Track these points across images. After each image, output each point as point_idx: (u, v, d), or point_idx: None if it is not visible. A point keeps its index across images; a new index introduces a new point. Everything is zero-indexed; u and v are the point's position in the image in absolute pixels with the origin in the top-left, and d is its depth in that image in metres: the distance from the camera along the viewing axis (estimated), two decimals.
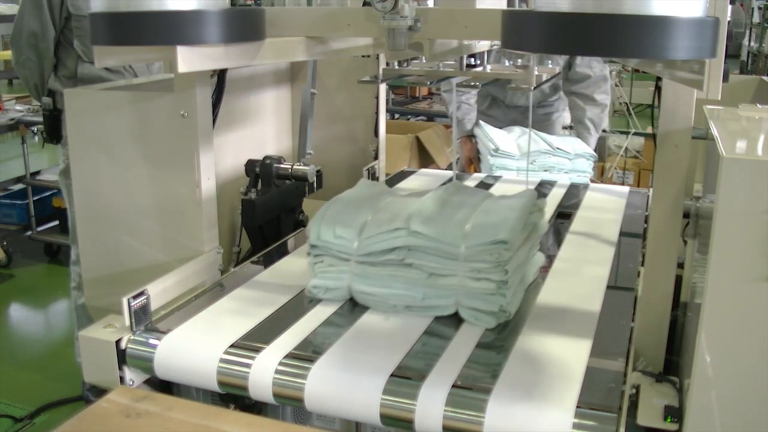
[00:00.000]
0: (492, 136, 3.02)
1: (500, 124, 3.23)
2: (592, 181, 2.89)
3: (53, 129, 2.90)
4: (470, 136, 3.29)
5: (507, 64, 1.76)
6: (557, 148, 2.84)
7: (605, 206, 2.40)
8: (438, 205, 1.63)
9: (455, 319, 1.51)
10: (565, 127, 3.78)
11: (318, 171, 2.20)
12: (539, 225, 1.72)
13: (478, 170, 3.15)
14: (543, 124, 3.24)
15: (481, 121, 3.20)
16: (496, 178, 2.76)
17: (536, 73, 1.71)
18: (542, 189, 2.60)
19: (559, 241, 2.04)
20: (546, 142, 2.93)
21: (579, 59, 3.07)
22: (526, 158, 2.77)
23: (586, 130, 3.16)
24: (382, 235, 1.53)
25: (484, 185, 2.66)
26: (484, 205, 1.66)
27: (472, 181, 2.72)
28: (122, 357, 1.46)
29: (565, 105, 3.44)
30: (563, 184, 2.68)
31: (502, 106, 3.33)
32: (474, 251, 1.47)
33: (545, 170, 2.82)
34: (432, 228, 1.50)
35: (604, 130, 5.12)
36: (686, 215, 1.50)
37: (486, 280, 1.46)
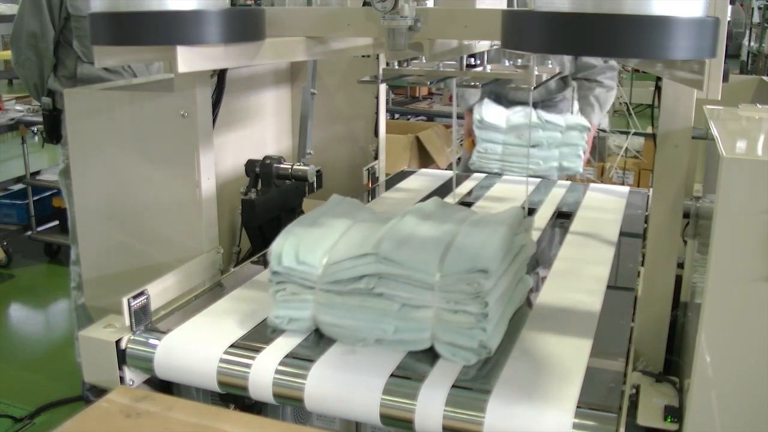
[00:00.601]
0: (483, 108, 2.97)
1: None
2: (592, 180, 2.88)
3: (53, 129, 2.90)
4: (471, 110, 3.30)
5: (507, 64, 1.76)
6: (546, 121, 2.77)
7: (605, 206, 2.40)
8: (413, 226, 1.48)
9: None
10: None
11: (318, 171, 2.20)
12: (526, 247, 1.58)
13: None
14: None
15: (486, 99, 3.18)
16: (496, 178, 2.76)
17: (536, 73, 1.71)
18: (542, 188, 2.60)
19: (559, 241, 2.04)
20: (537, 116, 2.87)
21: None
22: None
23: (589, 106, 3.16)
24: (349, 261, 1.39)
25: (483, 186, 2.66)
26: (465, 226, 1.50)
27: (472, 181, 2.72)
28: (122, 357, 1.46)
29: (569, 106, 3.44)
30: (563, 184, 2.68)
31: (505, 103, 3.33)
32: (450, 280, 1.32)
33: (534, 145, 2.74)
34: (404, 254, 1.36)
35: (603, 130, 5.12)
36: (686, 215, 1.50)
37: (464, 312, 1.32)
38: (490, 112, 2.92)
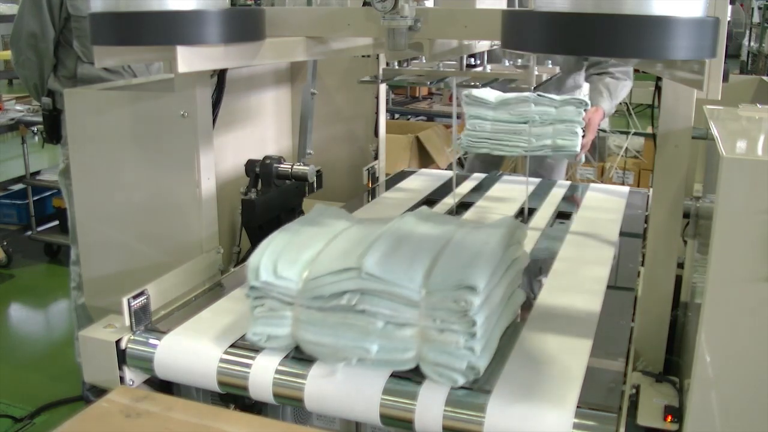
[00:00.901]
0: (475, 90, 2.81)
1: None
2: (592, 181, 2.85)
3: (53, 129, 2.90)
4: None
5: (507, 64, 1.76)
6: (539, 94, 2.57)
7: (605, 206, 2.40)
8: (399, 239, 1.41)
9: None
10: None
11: (318, 171, 2.20)
12: (519, 259, 1.50)
13: None
14: None
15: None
16: (496, 179, 2.76)
17: (536, 73, 1.71)
18: (542, 188, 2.60)
19: (559, 241, 2.03)
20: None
21: None
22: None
23: (598, 93, 3.03)
24: (330, 276, 1.31)
25: (482, 186, 2.66)
26: (455, 238, 1.44)
27: (472, 181, 2.72)
28: (122, 357, 1.46)
29: None
30: (563, 184, 2.68)
31: None
32: (436, 298, 1.25)
33: (525, 121, 2.56)
34: (388, 269, 1.28)
35: (603, 130, 5.11)
36: (686, 215, 1.50)
37: (451, 331, 1.25)
38: (481, 91, 2.73)
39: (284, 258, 1.38)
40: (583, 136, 2.70)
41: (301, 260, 1.38)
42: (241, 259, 2.17)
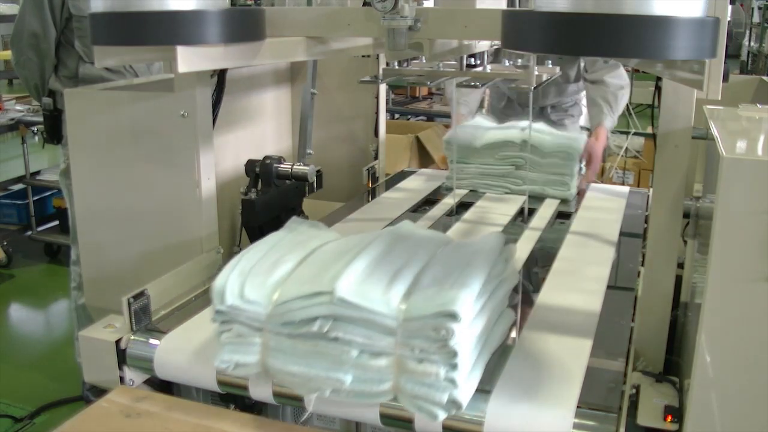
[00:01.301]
0: (459, 128, 2.68)
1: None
2: (592, 181, 2.82)
3: (54, 129, 2.90)
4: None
5: (507, 64, 1.76)
6: (523, 141, 2.45)
7: (605, 206, 2.40)
8: (376, 258, 1.31)
9: None
10: (583, 128, 3.62)
11: (318, 171, 2.20)
12: (507, 280, 1.41)
13: None
14: (556, 128, 3.09)
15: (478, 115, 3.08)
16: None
17: (536, 73, 1.71)
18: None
19: (559, 241, 2.04)
20: (544, 133, 2.55)
21: None
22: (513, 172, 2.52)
23: (597, 107, 2.95)
24: (299, 301, 1.22)
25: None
26: (436, 258, 1.36)
27: None
28: (122, 357, 1.46)
29: (580, 111, 3.40)
30: None
31: (517, 106, 3.31)
32: (414, 326, 1.16)
33: (513, 164, 2.48)
34: (362, 293, 1.19)
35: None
36: (686, 215, 1.51)
37: (430, 362, 1.16)
38: (465, 130, 2.63)
39: (252, 279, 1.29)
40: (581, 169, 2.59)
41: (270, 282, 1.29)
42: None
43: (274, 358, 1.26)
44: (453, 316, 1.14)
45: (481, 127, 2.67)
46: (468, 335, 1.19)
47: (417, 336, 1.16)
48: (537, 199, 2.45)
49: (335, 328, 1.20)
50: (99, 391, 1.44)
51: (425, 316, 1.16)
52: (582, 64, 3.03)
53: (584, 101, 3.39)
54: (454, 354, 1.14)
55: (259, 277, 1.30)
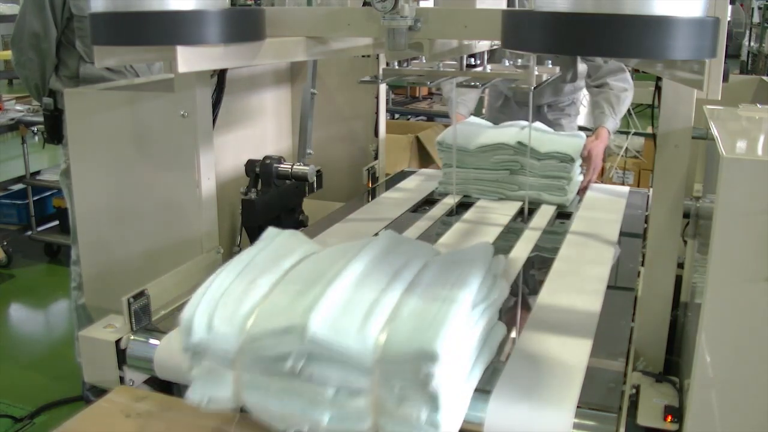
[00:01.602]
0: (450, 130, 2.57)
1: (512, 121, 3.12)
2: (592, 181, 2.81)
3: (54, 129, 2.90)
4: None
5: (507, 64, 1.76)
6: (518, 143, 2.37)
7: (605, 206, 2.40)
8: (354, 282, 1.23)
9: None
10: (581, 128, 3.60)
11: (318, 171, 2.20)
12: (496, 298, 1.34)
13: None
14: (552, 128, 3.08)
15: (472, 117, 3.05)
16: None
17: (536, 73, 1.71)
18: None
19: (559, 241, 2.04)
20: (540, 135, 2.47)
21: None
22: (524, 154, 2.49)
23: (599, 109, 2.93)
24: (270, 339, 1.16)
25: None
26: (418, 281, 1.27)
27: None
28: (122, 357, 1.46)
29: (576, 111, 3.40)
30: None
31: (514, 104, 3.31)
32: (392, 365, 1.10)
33: (507, 169, 2.41)
34: (336, 329, 1.12)
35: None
36: (686, 215, 1.51)
37: (410, 403, 1.09)
38: (459, 132, 2.50)
39: (222, 309, 1.21)
40: (583, 173, 2.57)
41: (241, 312, 1.20)
42: None
43: (249, 394, 1.19)
44: (433, 358, 1.07)
45: (474, 128, 2.61)
46: (451, 370, 1.12)
47: (396, 376, 1.10)
48: (535, 202, 2.40)
49: (310, 366, 1.13)
50: (99, 391, 1.44)
51: (404, 357, 1.09)
52: (581, 68, 3.00)
53: (584, 101, 3.39)
54: (436, 396, 1.08)
55: (229, 306, 1.22)
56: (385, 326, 1.14)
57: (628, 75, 3.02)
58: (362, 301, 1.18)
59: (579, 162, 2.51)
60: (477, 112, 3.32)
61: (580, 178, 2.56)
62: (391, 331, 1.13)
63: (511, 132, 2.49)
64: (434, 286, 1.25)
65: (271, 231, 1.49)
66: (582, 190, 2.57)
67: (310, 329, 1.11)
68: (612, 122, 2.90)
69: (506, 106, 3.34)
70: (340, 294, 1.19)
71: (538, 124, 2.64)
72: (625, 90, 2.96)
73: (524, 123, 2.53)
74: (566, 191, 2.38)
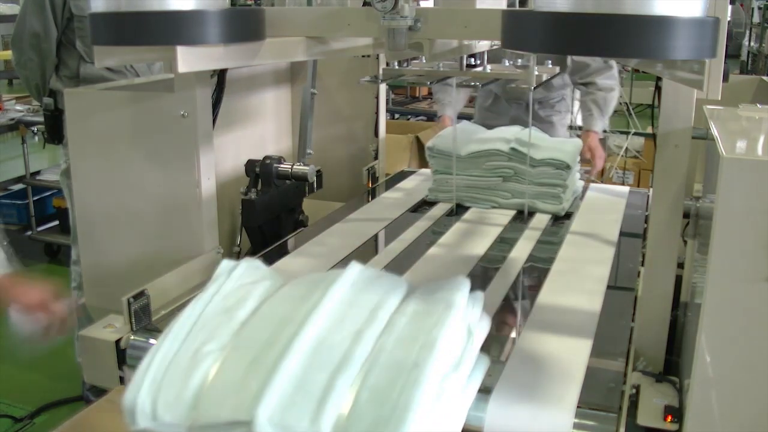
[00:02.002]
0: (442, 134, 2.52)
1: (502, 120, 3.14)
2: (592, 181, 2.81)
3: (54, 129, 2.90)
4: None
5: (507, 63, 1.76)
6: (512, 149, 2.29)
7: (605, 206, 2.40)
8: (309, 356, 1.10)
9: None
10: (572, 127, 3.62)
11: (318, 171, 2.20)
12: (470, 363, 1.18)
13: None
14: (543, 125, 3.11)
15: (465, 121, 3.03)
16: None
17: (536, 73, 1.71)
18: None
19: (559, 241, 2.04)
20: (535, 141, 2.35)
21: None
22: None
23: (587, 111, 3.00)
24: (216, 430, 1.07)
25: None
26: (383, 341, 1.14)
27: None
28: (122, 357, 1.46)
29: (567, 107, 3.41)
30: None
31: (504, 103, 3.32)
32: None
33: (500, 176, 2.32)
34: (288, 419, 1.03)
35: (603, 130, 5.11)
36: (686, 215, 1.50)
37: None
38: (448, 137, 2.42)
39: (166, 391, 1.12)
40: (587, 171, 2.62)
41: (186, 396, 1.11)
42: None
43: None
44: None
45: (466, 133, 2.50)
46: None
47: None
48: (530, 210, 2.30)
49: None
50: (99, 391, 1.44)
51: None
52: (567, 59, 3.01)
53: (574, 96, 3.40)
54: None
55: (174, 386, 1.12)
56: (340, 418, 1.04)
57: (615, 72, 3.07)
58: (316, 382, 1.07)
59: (577, 168, 2.42)
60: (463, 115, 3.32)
61: (581, 184, 2.52)
62: (349, 420, 1.04)
63: (504, 137, 2.40)
64: (398, 355, 1.11)
65: (224, 266, 1.35)
66: (588, 181, 2.58)
67: (259, 417, 1.02)
68: (600, 123, 2.99)
69: (496, 104, 3.36)
70: (292, 372, 1.08)
71: (532, 130, 2.57)
72: (612, 90, 3.02)
73: (516, 129, 2.50)
74: (561, 199, 2.28)
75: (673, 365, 1.49)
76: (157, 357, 1.16)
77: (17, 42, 2.84)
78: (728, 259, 1.06)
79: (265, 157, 2.15)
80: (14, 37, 2.86)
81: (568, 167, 2.27)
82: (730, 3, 1.20)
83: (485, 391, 1.22)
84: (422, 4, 1.47)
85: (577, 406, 1.18)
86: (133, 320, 1.48)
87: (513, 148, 2.31)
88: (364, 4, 1.54)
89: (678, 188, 1.42)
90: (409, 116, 6.76)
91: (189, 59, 1.36)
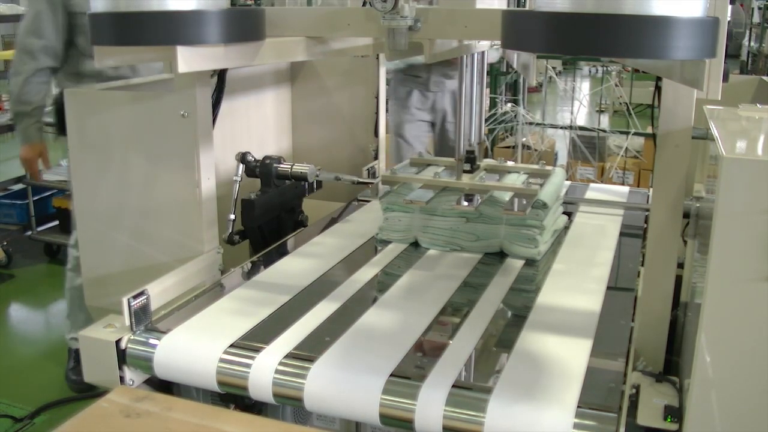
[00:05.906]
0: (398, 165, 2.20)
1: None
2: (592, 181, 2.81)
3: (64, 122, 2.88)
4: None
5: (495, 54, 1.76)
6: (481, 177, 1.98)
7: (605, 206, 2.40)
8: None
9: (457, 315, 1.51)
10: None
11: (318, 171, 2.20)
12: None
13: None
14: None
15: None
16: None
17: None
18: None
19: (559, 241, 2.03)
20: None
21: None
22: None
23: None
24: None
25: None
26: None
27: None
28: (122, 357, 1.46)
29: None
30: (564, 184, 2.67)
31: (419, 94, 3.37)
32: None
33: (463, 216, 1.92)
34: None
35: (603, 130, 5.11)
36: (686, 215, 1.50)
37: None
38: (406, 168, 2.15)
39: None
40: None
41: None
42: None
43: None
44: None
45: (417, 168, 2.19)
46: None
47: None
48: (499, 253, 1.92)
49: None
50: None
51: None
52: None
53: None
54: None
55: None
56: None
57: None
58: None
59: (559, 203, 2.07)
60: None
61: (563, 218, 2.11)
62: None
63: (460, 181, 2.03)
64: None
65: None
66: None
67: None
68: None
69: (410, 97, 3.40)
70: None
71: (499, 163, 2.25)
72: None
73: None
74: (537, 242, 1.86)
75: (673, 365, 1.50)
76: None
77: (29, 54, 2.75)
78: (728, 259, 1.06)
79: (265, 157, 2.15)
80: (26, 50, 2.78)
81: (545, 206, 1.87)
82: (730, 3, 1.20)
83: (485, 391, 1.23)
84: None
85: (577, 406, 1.18)
86: (133, 320, 1.48)
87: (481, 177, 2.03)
88: (364, 4, 1.54)
89: (678, 188, 1.42)
90: None
91: (189, 59, 1.36)
